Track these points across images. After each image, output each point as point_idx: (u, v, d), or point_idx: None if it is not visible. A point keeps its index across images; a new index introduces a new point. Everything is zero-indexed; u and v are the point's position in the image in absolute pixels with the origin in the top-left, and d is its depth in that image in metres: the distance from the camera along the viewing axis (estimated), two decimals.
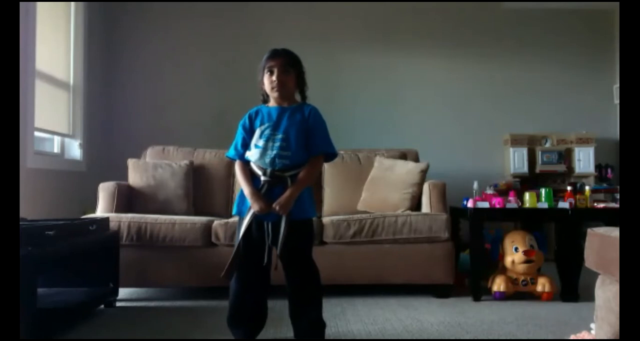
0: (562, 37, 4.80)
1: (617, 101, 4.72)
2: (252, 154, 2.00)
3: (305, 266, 2.03)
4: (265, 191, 1.96)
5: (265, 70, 2.02)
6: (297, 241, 1.97)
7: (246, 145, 2.04)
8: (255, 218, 1.96)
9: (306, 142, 2.00)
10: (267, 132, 1.99)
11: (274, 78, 2.00)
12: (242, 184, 2.01)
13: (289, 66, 2.02)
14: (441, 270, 2.96)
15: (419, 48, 4.74)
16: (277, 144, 1.97)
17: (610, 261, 1.44)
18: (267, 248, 1.97)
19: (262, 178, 1.97)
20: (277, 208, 1.92)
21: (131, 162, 3.46)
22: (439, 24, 4.76)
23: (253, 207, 1.94)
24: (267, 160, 1.96)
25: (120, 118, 4.53)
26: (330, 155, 2.07)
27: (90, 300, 2.56)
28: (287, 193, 1.94)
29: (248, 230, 1.96)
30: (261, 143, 1.98)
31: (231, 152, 2.09)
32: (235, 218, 2.28)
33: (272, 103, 2.08)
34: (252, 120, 2.06)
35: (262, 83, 2.05)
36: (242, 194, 2.03)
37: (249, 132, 2.05)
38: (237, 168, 2.06)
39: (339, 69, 4.64)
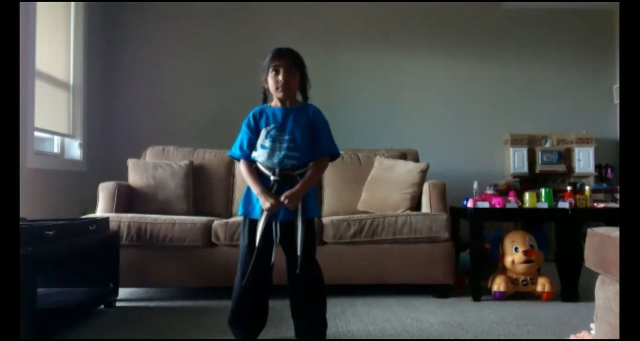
0: (562, 37, 4.80)
1: (617, 101, 4.72)
2: (259, 155, 2.00)
3: (310, 265, 2.03)
4: (275, 190, 1.96)
5: (270, 70, 2.01)
6: (304, 240, 1.96)
7: (252, 145, 2.03)
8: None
9: (311, 142, 2.01)
10: (273, 132, 1.99)
11: (279, 78, 1.99)
12: (250, 184, 2.00)
13: (294, 66, 2.01)
14: (441, 270, 2.96)
15: (419, 48, 4.74)
16: (285, 145, 1.97)
17: (610, 262, 1.44)
18: (274, 248, 1.97)
19: (272, 177, 1.96)
20: (286, 201, 1.91)
21: (131, 162, 3.46)
22: (439, 24, 4.76)
23: (264, 205, 1.93)
24: (275, 160, 1.96)
25: (120, 118, 4.53)
26: (335, 154, 2.08)
27: (90, 300, 2.56)
28: (295, 188, 1.94)
29: (256, 232, 1.94)
30: (268, 144, 1.98)
31: (236, 152, 2.07)
32: (237, 219, 2.28)
33: (275, 102, 2.08)
34: (256, 120, 2.05)
35: (266, 81, 2.04)
36: (247, 194, 2.02)
37: (254, 132, 2.03)
38: (243, 167, 2.04)
39: (339, 69, 4.64)
